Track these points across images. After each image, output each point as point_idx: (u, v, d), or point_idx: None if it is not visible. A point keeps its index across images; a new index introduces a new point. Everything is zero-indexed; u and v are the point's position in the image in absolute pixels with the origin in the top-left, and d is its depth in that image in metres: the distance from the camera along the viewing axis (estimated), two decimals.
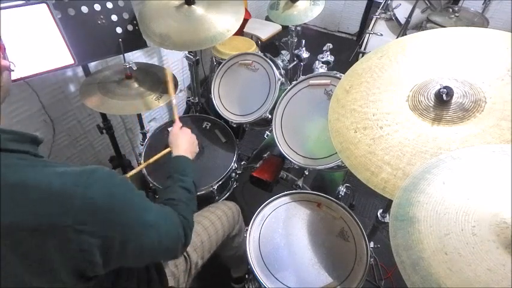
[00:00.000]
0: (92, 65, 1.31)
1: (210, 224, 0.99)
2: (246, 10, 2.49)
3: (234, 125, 1.35)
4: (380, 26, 2.46)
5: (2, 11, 0.84)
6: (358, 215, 0.96)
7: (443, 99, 0.63)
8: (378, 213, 1.09)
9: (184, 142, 0.94)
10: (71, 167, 0.52)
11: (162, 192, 0.78)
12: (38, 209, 0.45)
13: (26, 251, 0.46)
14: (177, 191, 0.76)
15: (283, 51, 2.16)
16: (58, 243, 0.46)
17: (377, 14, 2.44)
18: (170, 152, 0.93)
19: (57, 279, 0.48)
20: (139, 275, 0.72)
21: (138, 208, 0.57)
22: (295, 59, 1.72)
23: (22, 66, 0.92)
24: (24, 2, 0.89)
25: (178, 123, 1.02)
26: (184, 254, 0.90)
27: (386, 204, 1.05)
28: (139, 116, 1.44)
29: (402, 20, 2.26)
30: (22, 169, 0.47)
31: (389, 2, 2.42)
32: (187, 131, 1.00)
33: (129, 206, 0.54)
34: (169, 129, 1.04)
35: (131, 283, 0.69)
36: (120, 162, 1.53)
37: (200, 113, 1.74)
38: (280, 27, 2.27)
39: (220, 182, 1.20)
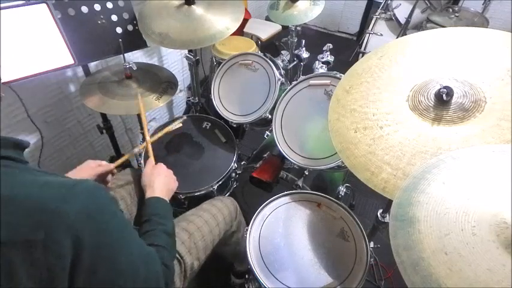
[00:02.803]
0: (92, 65, 1.31)
1: (203, 224, 0.95)
2: (246, 10, 2.49)
3: (234, 125, 1.35)
4: (380, 26, 2.46)
5: (2, 11, 0.84)
6: (358, 215, 0.96)
7: (443, 99, 0.63)
8: (378, 213, 1.08)
9: (159, 183, 0.87)
10: (56, 177, 0.50)
11: (141, 236, 0.71)
12: (12, 222, 0.43)
13: None
14: (158, 235, 0.71)
15: (283, 51, 2.16)
16: (27, 260, 0.44)
17: (377, 14, 2.44)
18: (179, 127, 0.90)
19: None
20: None
21: (116, 234, 0.53)
22: (295, 59, 1.72)
23: (22, 66, 0.93)
24: (24, 2, 0.89)
25: (151, 162, 0.94)
26: (178, 257, 0.86)
27: (386, 204, 1.05)
28: (139, 116, 1.44)
29: (402, 20, 2.26)
30: (1, 178, 0.46)
31: (389, 2, 2.42)
32: (161, 169, 0.92)
33: (105, 229, 0.51)
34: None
35: None
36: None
37: (200, 113, 1.74)
38: (280, 27, 2.27)
39: (220, 182, 1.20)
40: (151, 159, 0.96)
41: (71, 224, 0.46)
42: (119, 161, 0.95)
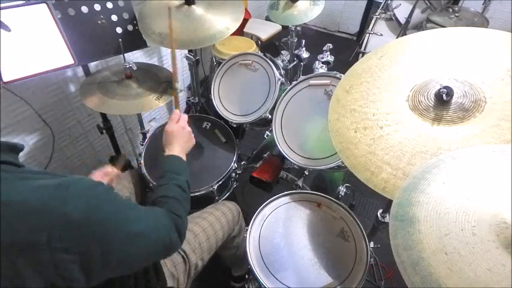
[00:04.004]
0: (92, 65, 1.31)
1: (208, 225, 0.98)
2: (246, 10, 2.49)
3: (234, 125, 1.35)
4: (380, 26, 2.45)
5: (2, 11, 0.84)
6: (358, 215, 0.96)
7: (443, 99, 0.63)
8: (378, 213, 1.08)
9: (179, 141, 0.87)
10: (52, 177, 0.50)
11: (155, 190, 0.76)
12: (13, 226, 0.44)
13: None
14: (171, 188, 0.74)
15: (283, 51, 2.16)
16: (31, 261, 0.44)
17: (377, 14, 2.44)
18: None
19: None
20: (137, 275, 0.71)
21: (121, 219, 0.55)
22: (295, 59, 1.73)
23: (22, 66, 0.92)
24: (24, 2, 0.88)
25: (175, 117, 0.91)
26: (183, 255, 0.88)
27: (386, 204, 1.05)
28: (139, 116, 1.44)
29: (402, 20, 2.26)
30: None
31: (389, 2, 2.42)
32: (181, 126, 0.90)
33: (110, 218, 0.52)
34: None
35: (128, 282, 0.68)
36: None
37: (200, 113, 1.74)
38: (280, 27, 2.27)
39: (220, 182, 1.20)
40: (175, 114, 0.92)
41: (73, 223, 0.46)
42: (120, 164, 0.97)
